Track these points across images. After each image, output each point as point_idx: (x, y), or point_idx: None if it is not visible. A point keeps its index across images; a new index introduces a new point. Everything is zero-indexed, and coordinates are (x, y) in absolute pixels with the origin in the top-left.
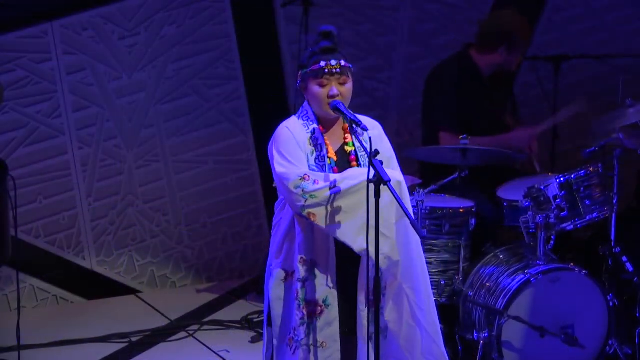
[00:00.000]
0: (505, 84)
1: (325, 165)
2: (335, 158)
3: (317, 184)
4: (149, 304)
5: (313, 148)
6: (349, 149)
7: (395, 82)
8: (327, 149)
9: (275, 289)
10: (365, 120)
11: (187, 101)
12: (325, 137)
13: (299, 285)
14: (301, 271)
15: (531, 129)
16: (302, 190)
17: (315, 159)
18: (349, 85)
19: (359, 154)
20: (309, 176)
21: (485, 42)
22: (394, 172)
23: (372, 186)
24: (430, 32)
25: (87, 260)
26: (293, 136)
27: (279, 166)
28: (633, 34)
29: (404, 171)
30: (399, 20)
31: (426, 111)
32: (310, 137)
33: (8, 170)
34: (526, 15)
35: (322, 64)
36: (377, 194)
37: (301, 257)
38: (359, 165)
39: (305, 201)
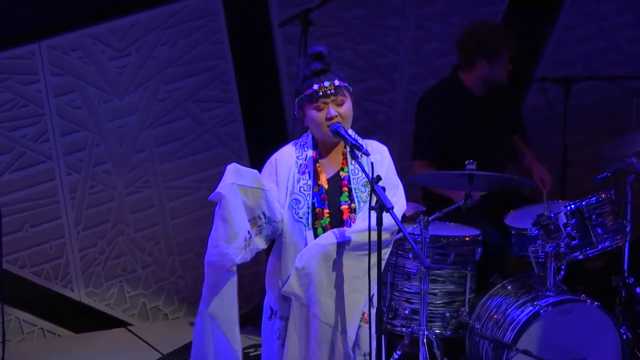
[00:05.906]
0: (501, 98)
1: (310, 193)
2: (326, 186)
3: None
4: (139, 337)
5: (300, 176)
6: (343, 174)
7: (397, 104)
8: (317, 177)
9: (264, 326)
10: (371, 144)
11: (180, 124)
12: (319, 165)
13: (281, 324)
14: (283, 309)
15: None
16: None
17: (300, 187)
18: (348, 105)
19: (352, 177)
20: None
21: (463, 58)
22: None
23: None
24: (433, 52)
25: (76, 292)
26: (275, 169)
27: None
28: None
29: (408, 198)
30: (401, 40)
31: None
32: (299, 165)
33: None
34: (507, 26)
35: (315, 87)
36: (380, 221)
37: (281, 294)
38: (349, 189)
39: None
